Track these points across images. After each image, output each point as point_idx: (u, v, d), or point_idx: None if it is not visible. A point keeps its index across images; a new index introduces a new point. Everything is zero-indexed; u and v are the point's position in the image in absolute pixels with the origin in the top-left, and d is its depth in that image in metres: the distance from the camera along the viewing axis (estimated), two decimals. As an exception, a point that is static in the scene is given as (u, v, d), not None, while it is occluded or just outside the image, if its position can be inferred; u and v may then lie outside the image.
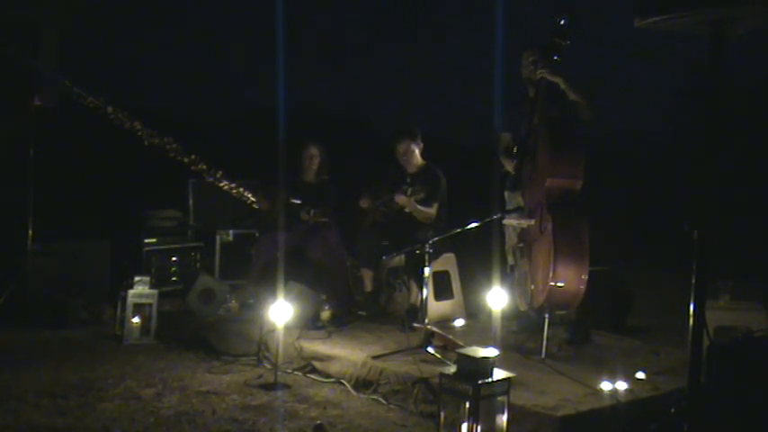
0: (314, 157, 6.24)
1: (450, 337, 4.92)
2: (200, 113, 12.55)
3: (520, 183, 5.15)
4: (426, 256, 4.92)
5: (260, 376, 4.76)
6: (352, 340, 5.24)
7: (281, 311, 4.66)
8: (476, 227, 5.06)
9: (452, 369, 3.59)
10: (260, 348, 5.10)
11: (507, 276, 5.26)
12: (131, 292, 5.60)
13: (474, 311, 5.97)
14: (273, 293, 5.29)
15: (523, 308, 5.14)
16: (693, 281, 3.12)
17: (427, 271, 4.93)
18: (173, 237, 7.28)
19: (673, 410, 3.39)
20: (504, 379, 3.54)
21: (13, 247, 6.43)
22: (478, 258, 6.17)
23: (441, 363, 4.38)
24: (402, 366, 4.50)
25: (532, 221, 4.85)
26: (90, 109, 6.86)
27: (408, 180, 5.98)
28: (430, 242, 4.96)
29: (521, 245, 5.09)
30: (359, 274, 6.33)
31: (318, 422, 3.89)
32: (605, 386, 4.02)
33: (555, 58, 4.83)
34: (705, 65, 3.08)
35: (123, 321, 5.59)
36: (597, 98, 5.07)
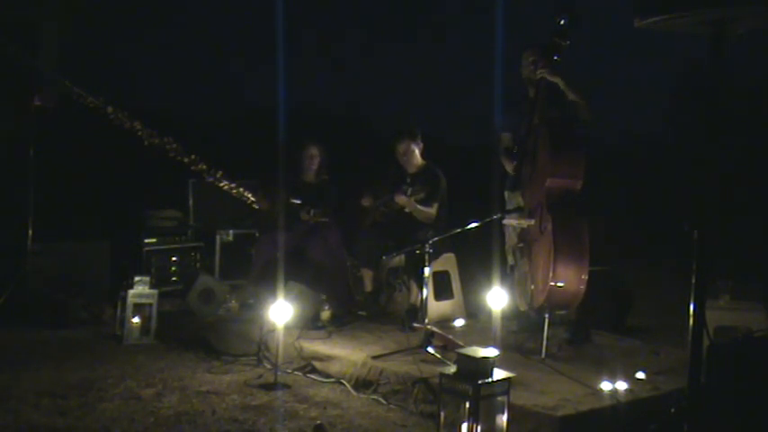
0: (314, 157, 6.24)
1: (451, 337, 4.92)
2: (200, 113, 12.52)
3: (520, 183, 5.15)
4: (426, 256, 4.93)
5: (260, 376, 4.76)
6: (352, 340, 5.24)
7: (281, 311, 4.66)
8: (476, 227, 5.06)
9: (452, 369, 3.58)
10: (260, 348, 5.10)
11: (507, 276, 5.26)
12: (131, 292, 5.60)
13: (474, 311, 5.97)
14: (273, 293, 5.29)
15: (523, 308, 5.14)
16: (693, 281, 3.13)
17: (427, 271, 4.94)
18: (173, 237, 7.28)
19: (673, 410, 3.39)
20: (504, 379, 3.54)
21: (13, 247, 6.43)
22: (478, 258, 6.17)
23: (441, 363, 4.37)
24: (402, 366, 4.50)
25: (532, 221, 4.85)
26: (90, 109, 6.86)
27: (408, 180, 5.98)
28: (430, 242, 4.96)
29: (521, 245, 5.09)
30: (359, 274, 6.33)
31: (318, 422, 3.89)
32: (605, 386, 4.02)
33: (555, 58, 4.84)
34: (705, 65, 3.08)
35: (123, 321, 5.60)
36: (591, 99, 5.07)
